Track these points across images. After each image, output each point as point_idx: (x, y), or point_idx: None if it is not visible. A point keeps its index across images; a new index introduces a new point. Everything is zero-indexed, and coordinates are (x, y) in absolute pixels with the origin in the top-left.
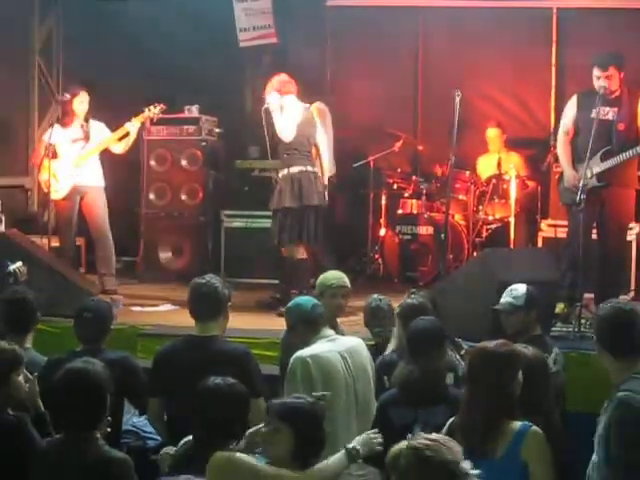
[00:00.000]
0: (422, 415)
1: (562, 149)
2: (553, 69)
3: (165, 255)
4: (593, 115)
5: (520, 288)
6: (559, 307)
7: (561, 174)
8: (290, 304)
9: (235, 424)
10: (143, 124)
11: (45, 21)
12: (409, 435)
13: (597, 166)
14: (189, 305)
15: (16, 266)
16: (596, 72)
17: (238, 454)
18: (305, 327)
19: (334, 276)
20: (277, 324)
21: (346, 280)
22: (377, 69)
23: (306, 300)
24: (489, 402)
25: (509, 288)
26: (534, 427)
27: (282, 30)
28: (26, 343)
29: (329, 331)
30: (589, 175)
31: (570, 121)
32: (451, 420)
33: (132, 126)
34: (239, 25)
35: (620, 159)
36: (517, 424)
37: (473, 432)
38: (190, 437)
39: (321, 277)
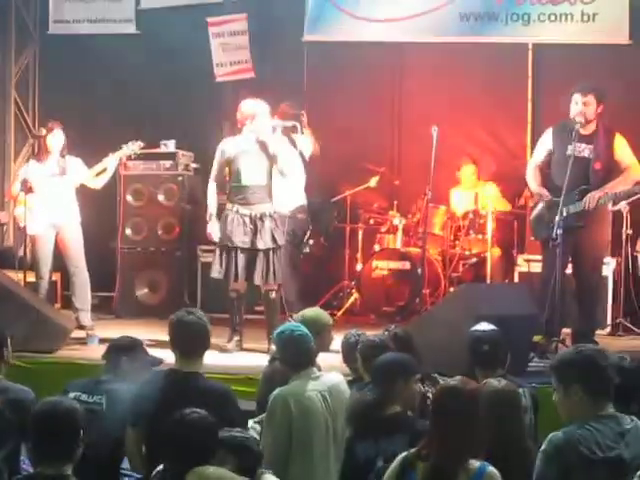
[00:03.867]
0: (383, 445)
1: (531, 175)
2: (529, 104)
3: (141, 290)
4: (569, 152)
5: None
6: (537, 338)
7: (532, 209)
8: (279, 331)
9: (207, 455)
10: (121, 160)
11: (22, 54)
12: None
13: (573, 205)
14: (173, 339)
15: None
16: (576, 97)
17: (212, 468)
18: (295, 360)
19: (324, 314)
20: (253, 360)
21: None
22: (354, 104)
23: (297, 327)
24: (452, 439)
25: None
26: (491, 468)
27: (259, 65)
28: None
29: (313, 368)
30: (565, 213)
31: (543, 155)
32: (406, 453)
33: (110, 162)
34: (216, 60)
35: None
36: (476, 464)
37: (433, 470)
38: (161, 466)
39: (313, 315)
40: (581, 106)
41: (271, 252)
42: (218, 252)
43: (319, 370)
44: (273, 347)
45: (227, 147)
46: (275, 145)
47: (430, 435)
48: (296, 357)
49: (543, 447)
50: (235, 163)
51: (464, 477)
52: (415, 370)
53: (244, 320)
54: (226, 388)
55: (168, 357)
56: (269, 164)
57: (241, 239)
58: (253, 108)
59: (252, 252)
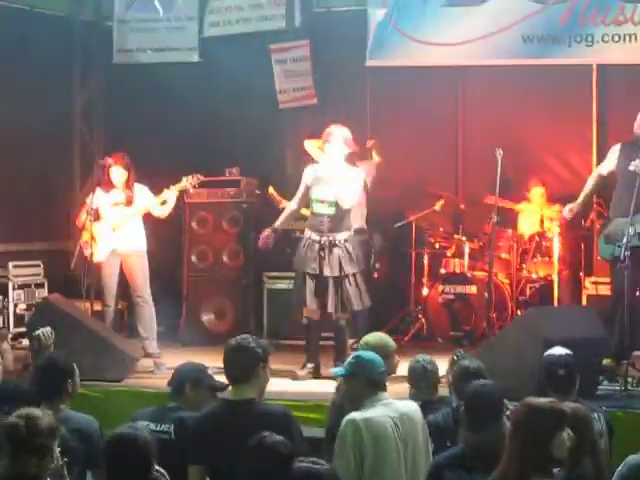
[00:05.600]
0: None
1: (587, 186)
2: (594, 125)
3: (208, 317)
4: (631, 167)
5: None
6: (606, 362)
7: (599, 230)
8: (359, 358)
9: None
10: (181, 192)
11: (87, 84)
12: None
13: (639, 224)
14: (224, 368)
15: (41, 331)
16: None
17: None
18: (367, 385)
19: (387, 338)
20: (320, 386)
21: None
22: (417, 128)
23: (375, 358)
24: (524, 454)
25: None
26: None
27: (322, 90)
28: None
29: (384, 394)
30: (632, 232)
31: (607, 170)
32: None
33: (170, 195)
34: (278, 87)
35: None
36: None
37: None
38: None
39: (377, 340)
40: None
41: (339, 280)
42: (295, 279)
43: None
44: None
45: (307, 173)
46: (344, 176)
47: (507, 448)
48: (367, 383)
49: (620, 469)
50: (311, 189)
51: None
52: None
53: (319, 347)
54: (284, 410)
55: None
56: (338, 194)
57: (310, 266)
58: (330, 134)
59: (321, 279)
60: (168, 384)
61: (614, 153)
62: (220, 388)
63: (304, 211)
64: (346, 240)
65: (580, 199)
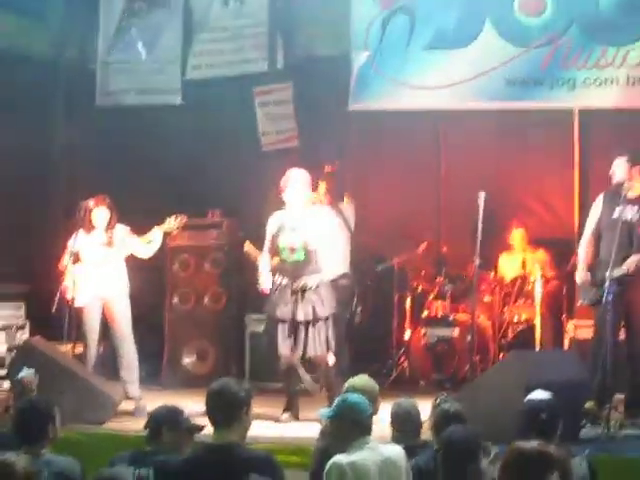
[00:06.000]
0: None
1: (583, 248)
2: (576, 168)
3: (189, 360)
4: (615, 215)
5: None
6: (589, 405)
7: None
8: (345, 401)
9: None
10: (165, 233)
11: (69, 126)
12: None
13: (618, 269)
14: (206, 411)
15: (24, 374)
16: (618, 161)
17: None
18: (353, 428)
19: (372, 382)
20: (301, 430)
21: None
22: (399, 170)
23: (362, 401)
24: None
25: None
26: None
27: (304, 133)
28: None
29: (370, 437)
30: (614, 276)
31: (594, 221)
32: None
33: (156, 234)
34: (261, 129)
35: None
36: None
37: None
38: None
39: (362, 383)
40: (624, 170)
41: (313, 324)
42: (267, 325)
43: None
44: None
45: (272, 221)
46: (309, 219)
47: None
48: (354, 426)
49: None
50: (277, 238)
51: None
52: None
53: (298, 391)
54: (267, 454)
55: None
56: (305, 239)
57: (282, 311)
58: (288, 179)
59: (294, 324)
60: (144, 427)
61: (597, 205)
62: (197, 429)
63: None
64: (318, 285)
65: (582, 264)
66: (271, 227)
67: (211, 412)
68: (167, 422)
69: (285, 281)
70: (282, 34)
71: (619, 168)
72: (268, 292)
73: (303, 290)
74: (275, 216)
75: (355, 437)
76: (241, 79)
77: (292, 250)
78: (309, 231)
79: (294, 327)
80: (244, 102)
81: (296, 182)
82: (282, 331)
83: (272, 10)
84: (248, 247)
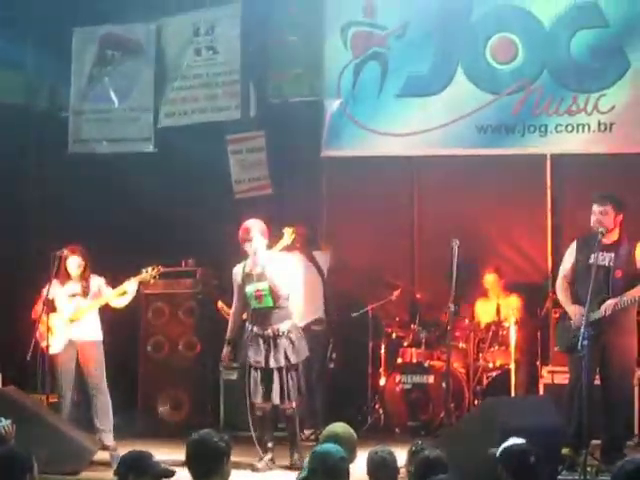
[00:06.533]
0: None
1: (562, 292)
2: (549, 214)
3: (164, 408)
4: (591, 261)
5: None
6: (565, 451)
7: (557, 321)
8: (314, 453)
9: None
10: (140, 284)
11: (41, 175)
12: None
13: (594, 313)
14: (186, 463)
15: (2, 424)
16: (594, 207)
17: None
18: (327, 478)
19: (350, 430)
20: (279, 478)
21: None
22: (373, 217)
23: (336, 450)
24: None
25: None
26: None
27: (277, 180)
28: None
29: None
30: (588, 322)
31: (569, 267)
32: None
33: (130, 286)
34: (234, 177)
35: (614, 307)
36: None
37: None
38: None
39: (346, 430)
40: (599, 216)
41: (284, 371)
42: (242, 372)
43: None
44: (300, 464)
45: (237, 271)
46: (275, 264)
47: None
48: (328, 476)
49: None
50: (244, 288)
51: None
52: None
53: (273, 437)
54: None
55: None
56: (271, 285)
57: (255, 359)
58: (246, 230)
59: (267, 371)
60: (114, 474)
61: (571, 252)
62: (166, 474)
63: None
64: (289, 330)
65: (570, 307)
66: (236, 277)
67: (192, 463)
68: (134, 468)
69: (256, 329)
70: (255, 82)
71: (607, 217)
72: (228, 360)
73: (276, 337)
74: (239, 267)
75: None
76: (214, 127)
77: (260, 297)
78: (275, 277)
79: (267, 374)
80: (217, 150)
81: (251, 232)
82: (256, 378)
83: (245, 58)
84: (221, 305)
